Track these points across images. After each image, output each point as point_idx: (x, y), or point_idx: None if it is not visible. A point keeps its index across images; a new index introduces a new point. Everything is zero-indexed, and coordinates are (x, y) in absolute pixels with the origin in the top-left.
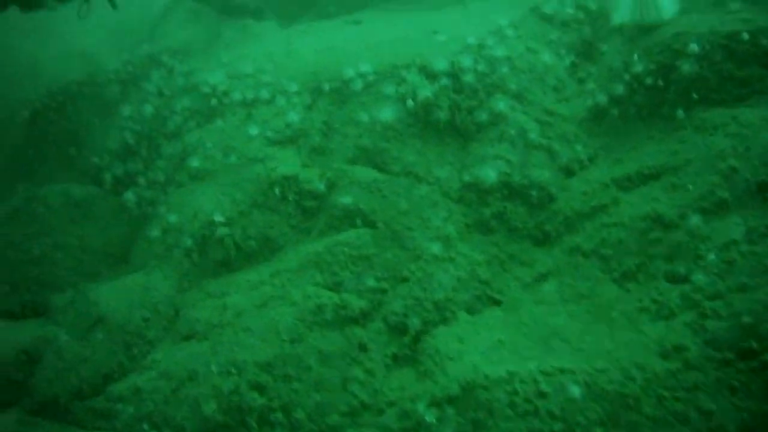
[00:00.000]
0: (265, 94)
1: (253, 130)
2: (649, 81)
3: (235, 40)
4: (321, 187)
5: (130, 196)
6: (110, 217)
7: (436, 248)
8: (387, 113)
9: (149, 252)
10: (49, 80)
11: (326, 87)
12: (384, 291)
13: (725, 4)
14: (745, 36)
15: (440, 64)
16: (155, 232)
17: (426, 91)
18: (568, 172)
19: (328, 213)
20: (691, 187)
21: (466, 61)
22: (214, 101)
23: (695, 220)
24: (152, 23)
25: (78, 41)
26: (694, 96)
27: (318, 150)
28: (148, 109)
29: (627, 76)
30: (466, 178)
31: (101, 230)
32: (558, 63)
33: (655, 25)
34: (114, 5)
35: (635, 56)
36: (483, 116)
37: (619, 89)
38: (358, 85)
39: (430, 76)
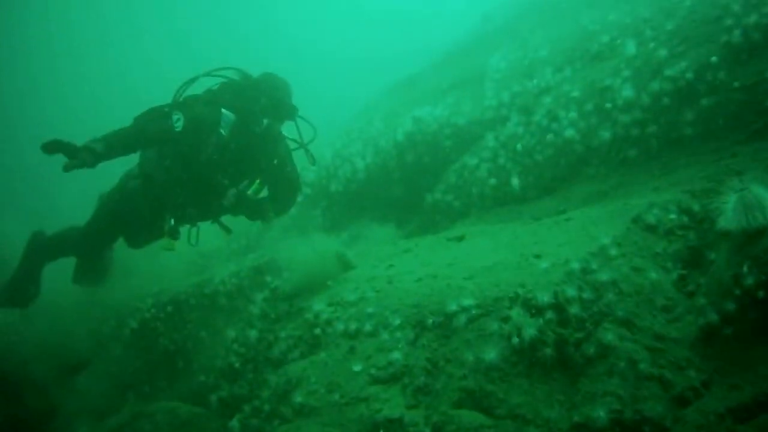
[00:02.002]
0: (368, 326)
1: (357, 367)
2: (761, 294)
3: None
4: (428, 431)
5: (235, 423)
6: None
7: None
8: (491, 353)
9: None
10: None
11: (429, 321)
12: None
13: None
14: None
15: (544, 297)
16: None
17: (531, 330)
18: (682, 402)
19: None
20: None
21: (571, 291)
22: (317, 330)
23: None
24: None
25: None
26: None
27: (423, 390)
28: (253, 333)
29: (737, 291)
30: (576, 418)
31: None
32: (665, 278)
33: (764, 229)
34: (228, 230)
35: (745, 268)
36: (591, 349)
37: (731, 306)
38: (462, 320)
39: (534, 310)
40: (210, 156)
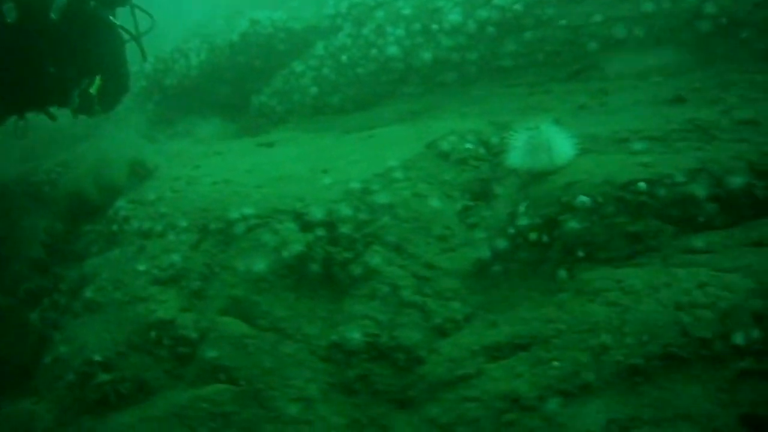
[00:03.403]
0: (159, 226)
1: (142, 266)
2: (533, 236)
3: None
4: (195, 335)
5: (35, 316)
6: (21, 332)
7: (294, 410)
8: (261, 264)
9: (43, 378)
10: None
11: (212, 226)
12: None
13: (629, 141)
14: (642, 185)
15: (318, 213)
16: (48, 359)
17: (298, 245)
18: (442, 333)
19: (198, 364)
20: (557, 363)
21: (345, 210)
22: (115, 227)
23: (553, 404)
24: None
25: None
26: (580, 254)
27: (197, 294)
28: (59, 226)
29: (512, 230)
30: (333, 337)
31: (9, 345)
32: (448, 207)
33: (547, 172)
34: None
35: (521, 208)
36: (358, 270)
37: (503, 244)
38: (241, 228)
39: (307, 225)
40: (41, 46)
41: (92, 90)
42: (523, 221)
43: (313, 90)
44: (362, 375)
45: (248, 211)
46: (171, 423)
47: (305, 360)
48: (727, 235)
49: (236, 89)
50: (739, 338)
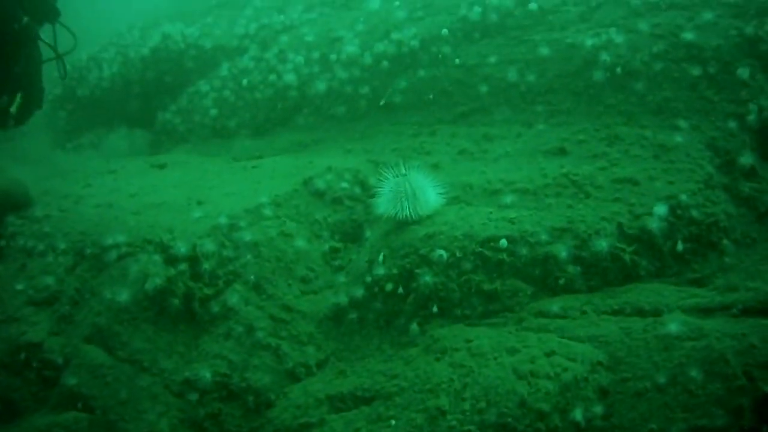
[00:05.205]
0: (41, 246)
1: (20, 285)
2: (389, 287)
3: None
4: (60, 360)
5: None
6: None
7: None
8: (124, 294)
9: None
10: None
11: (88, 251)
12: None
13: (500, 193)
14: (504, 243)
15: (182, 248)
16: None
17: (159, 279)
18: (294, 378)
19: (59, 390)
20: (393, 422)
21: (210, 246)
22: (2, 242)
23: None
24: None
25: None
26: (435, 309)
27: (66, 319)
28: None
29: (369, 278)
30: (187, 374)
31: None
32: (315, 248)
33: (411, 221)
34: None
35: (380, 257)
36: (216, 308)
37: (359, 292)
38: (113, 255)
39: (171, 258)
40: None
41: (12, 109)
42: (380, 271)
43: (213, 112)
44: (212, 414)
45: (121, 239)
46: None
47: (159, 394)
48: (587, 300)
49: (146, 104)
50: (578, 414)
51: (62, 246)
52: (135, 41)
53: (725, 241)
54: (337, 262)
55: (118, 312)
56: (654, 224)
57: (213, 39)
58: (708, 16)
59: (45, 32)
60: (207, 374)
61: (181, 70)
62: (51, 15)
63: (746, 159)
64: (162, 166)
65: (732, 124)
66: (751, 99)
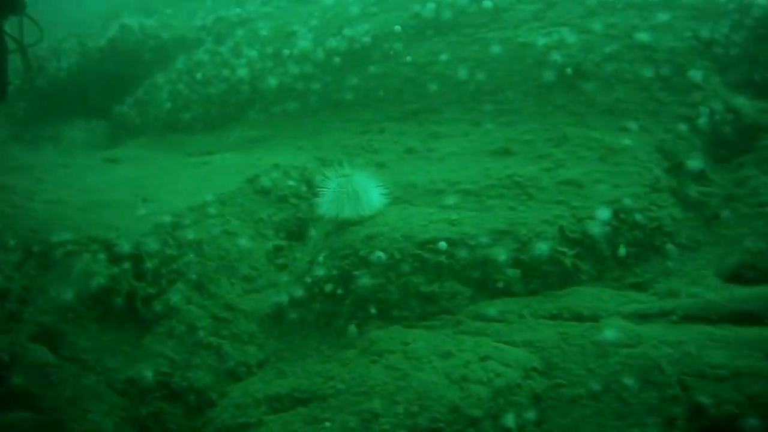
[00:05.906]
0: None
1: None
2: (329, 288)
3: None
4: (6, 358)
5: None
6: None
7: None
8: (69, 293)
9: None
10: None
11: (36, 249)
12: None
13: (443, 194)
14: (443, 245)
15: (126, 246)
16: None
17: (101, 278)
18: (234, 377)
19: (7, 389)
20: (328, 424)
21: (153, 245)
22: None
23: None
24: None
25: None
26: (373, 310)
27: (14, 317)
28: None
29: (308, 279)
30: (130, 373)
31: None
32: (259, 247)
33: (352, 222)
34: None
35: (321, 257)
36: (159, 307)
37: (299, 292)
38: (60, 252)
39: (115, 257)
40: None
41: None
42: (320, 271)
43: (168, 105)
44: (155, 413)
45: (67, 236)
46: None
47: (104, 393)
48: (526, 304)
49: (104, 95)
50: (510, 420)
51: (12, 243)
52: (95, 31)
53: (669, 246)
54: (280, 261)
55: (64, 311)
56: (596, 228)
57: (171, 30)
58: (664, 17)
59: (10, 24)
60: (149, 373)
61: (139, 62)
62: (19, 7)
63: (695, 162)
64: (114, 161)
65: (682, 127)
66: (703, 102)
